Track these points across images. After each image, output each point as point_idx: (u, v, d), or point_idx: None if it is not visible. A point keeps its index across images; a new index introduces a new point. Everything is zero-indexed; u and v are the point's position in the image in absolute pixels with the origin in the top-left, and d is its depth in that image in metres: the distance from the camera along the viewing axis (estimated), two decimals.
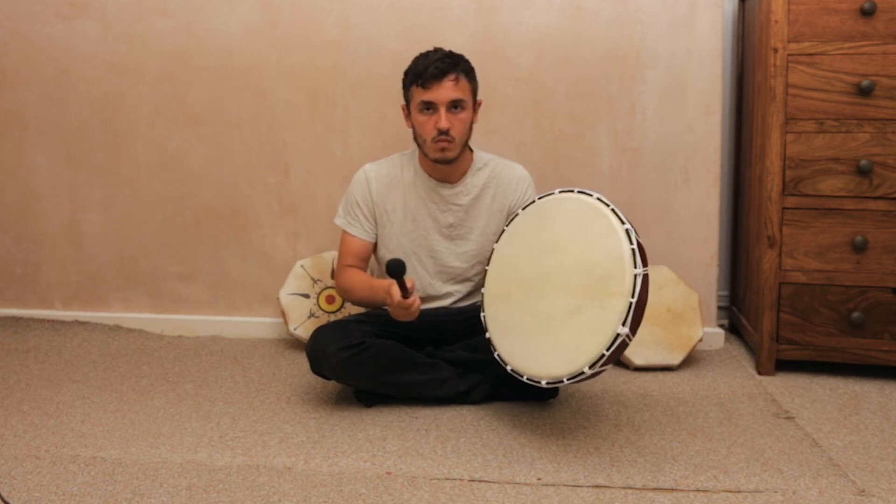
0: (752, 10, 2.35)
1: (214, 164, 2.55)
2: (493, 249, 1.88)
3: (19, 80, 2.59)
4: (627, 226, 1.59)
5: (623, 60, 2.39)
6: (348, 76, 2.46)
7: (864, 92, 2.04)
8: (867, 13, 2.03)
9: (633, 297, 1.52)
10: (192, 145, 2.55)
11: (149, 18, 2.51)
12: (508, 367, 1.73)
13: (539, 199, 1.80)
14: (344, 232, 2.04)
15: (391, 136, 2.44)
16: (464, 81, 1.89)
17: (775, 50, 2.08)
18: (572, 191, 1.74)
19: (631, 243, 1.57)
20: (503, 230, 1.87)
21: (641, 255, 1.57)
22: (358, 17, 2.44)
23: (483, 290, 1.88)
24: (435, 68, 1.85)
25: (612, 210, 1.63)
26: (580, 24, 2.39)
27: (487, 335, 1.82)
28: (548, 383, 1.63)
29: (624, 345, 1.56)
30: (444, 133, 1.86)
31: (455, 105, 1.87)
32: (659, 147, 2.41)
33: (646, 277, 1.57)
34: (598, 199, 1.67)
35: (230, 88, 2.51)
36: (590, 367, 1.56)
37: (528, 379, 1.67)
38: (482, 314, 1.85)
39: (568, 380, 1.59)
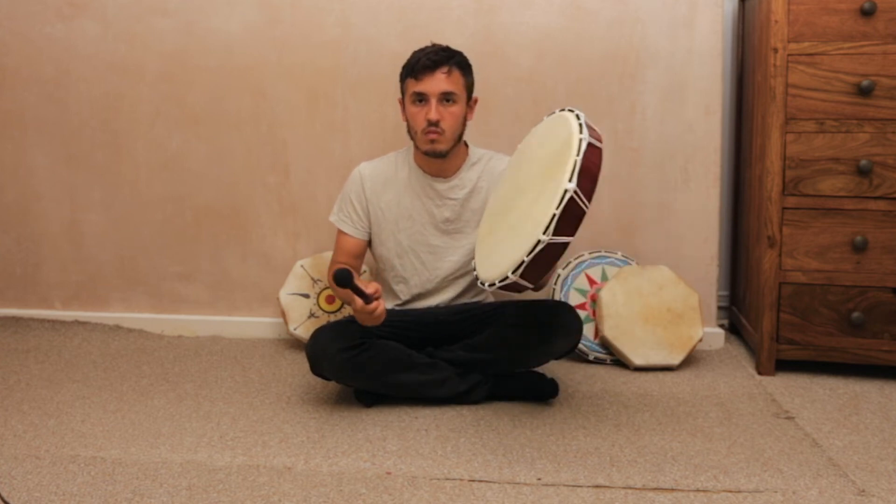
0: (752, 10, 2.35)
1: (214, 164, 2.55)
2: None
3: (19, 80, 2.59)
4: (578, 119, 1.59)
5: (623, 60, 2.39)
6: (348, 76, 2.46)
7: (864, 92, 2.04)
8: (867, 13, 2.03)
9: (577, 155, 1.49)
10: (192, 145, 2.55)
11: (149, 18, 2.51)
12: (483, 283, 1.66)
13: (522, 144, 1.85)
14: (338, 229, 2.05)
15: (391, 136, 2.44)
16: (457, 75, 1.90)
17: (775, 50, 2.08)
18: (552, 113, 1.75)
19: (579, 120, 1.57)
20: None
21: (592, 131, 1.56)
22: (358, 17, 2.44)
23: (477, 234, 1.88)
24: (428, 60, 1.87)
25: (570, 110, 1.65)
26: (580, 24, 2.39)
27: (473, 263, 1.80)
28: (512, 273, 1.55)
29: (575, 207, 1.49)
30: (433, 124, 1.87)
31: (446, 97, 1.88)
32: (659, 147, 2.41)
33: (594, 149, 1.54)
34: (568, 109, 1.67)
35: (230, 88, 2.51)
36: (512, 273, 1.52)
37: (480, 283, 1.64)
38: (473, 261, 1.83)
39: (527, 256, 1.51)
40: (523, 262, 1.52)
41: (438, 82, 1.87)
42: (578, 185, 1.48)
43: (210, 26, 2.49)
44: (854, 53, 2.04)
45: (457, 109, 1.90)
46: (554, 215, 1.48)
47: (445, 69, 1.87)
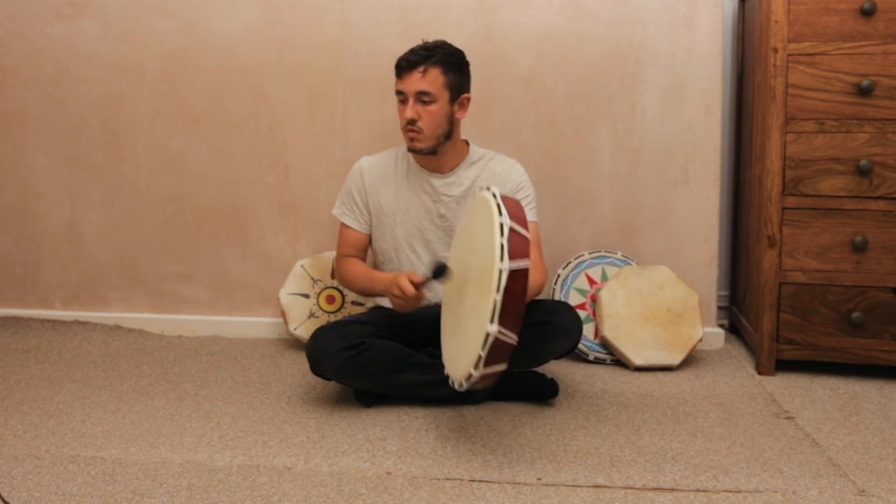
0: (752, 10, 2.35)
1: (214, 164, 2.55)
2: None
3: (19, 80, 2.59)
4: (503, 219, 1.50)
5: (623, 60, 2.39)
6: (348, 76, 2.46)
7: (864, 92, 2.04)
8: (867, 13, 2.03)
9: (497, 293, 1.45)
10: (192, 145, 2.55)
11: (149, 18, 2.51)
12: (445, 372, 1.72)
13: (471, 200, 1.81)
14: (341, 223, 2.08)
15: (391, 135, 2.43)
16: (435, 74, 1.89)
17: (775, 50, 2.08)
18: (483, 189, 1.68)
19: (502, 236, 1.48)
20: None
21: (515, 248, 1.47)
22: (358, 17, 2.44)
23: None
24: (405, 60, 1.90)
25: (497, 203, 1.55)
26: (580, 24, 2.39)
27: (442, 352, 1.81)
28: (458, 386, 1.60)
29: (501, 343, 1.48)
30: (410, 123, 1.90)
31: (423, 97, 1.89)
32: (659, 147, 2.41)
33: (516, 272, 1.46)
34: (493, 193, 1.60)
35: (230, 88, 2.51)
36: (474, 368, 1.51)
37: (452, 383, 1.66)
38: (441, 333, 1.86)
39: (465, 382, 1.56)
40: (462, 384, 1.58)
41: (414, 82, 1.88)
42: (501, 322, 1.46)
43: (210, 26, 2.49)
44: (854, 53, 2.04)
45: (435, 108, 1.90)
46: (480, 356, 1.49)
47: (421, 69, 1.88)
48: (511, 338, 1.50)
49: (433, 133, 1.92)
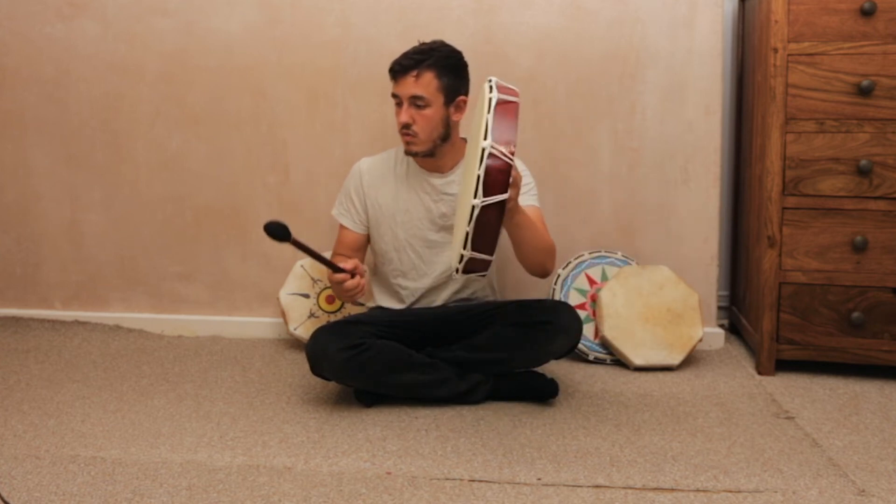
0: (752, 10, 2.35)
1: (214, 164, 2.55)
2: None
3: (19, 80, 2.59)
4: (492, 95, 1.56)
5: (623, 60, 2.39)
6: (348, 76, 2.46)
7: (864, 92, 2.04)
8: (867, 13, 2.03)
9: (478, 168, 1.50)
10: (192, 145, 2.55)
11: (149, 18, 2.51)
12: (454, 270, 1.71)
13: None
14: (339, 223, 2.08)
15: (391, 135, 2.43)
16: (428, 78, 1.88)
17: (775, 50, 2.08)
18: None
19: (488, 112, 1.54)
20: None
21: (498, 129, 1.53)
22: (358, 17, 2.44)
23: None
24: (398, 64, 1.90)
25: (489, 86, 1.60)
26: (580, 24, 2.39)
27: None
28: (455, 273, 1.63)
29: (485, 218, 1.52)
30: (405, 127, 1.90)
31: (416, 101, 1.88)
32: (659, 147, 2.41)
33: (496, 154, 1.52)
34: (489, 81, 1.64)
35: (230, 88, 2.51)
36: (464, 249, 1.55)
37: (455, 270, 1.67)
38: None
39: (459, 265, 1.59)
40: (467, 233, 1.56)
41: (408, 86, 1.88)
42: (494, 139, 1.50)
43: (210, 26, 2.49)
44: (854, 53, 2.04)
45: (430, 112, 1.89)
46: (478, 177, 1.50)
47: (415, 73, 1.87)
48: (497, 200, 1.52)
49: (428, 137, 1.91)
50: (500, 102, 1.55)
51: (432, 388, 1.92)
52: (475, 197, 1.51)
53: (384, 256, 2.07)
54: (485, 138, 1.51)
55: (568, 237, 2.44)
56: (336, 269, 1.79)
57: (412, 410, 1.91)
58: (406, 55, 1.90)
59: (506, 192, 1.54)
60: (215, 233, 2.58)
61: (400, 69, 1.89)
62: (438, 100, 1.90)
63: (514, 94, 1.60)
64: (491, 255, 1.60)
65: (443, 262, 2.03)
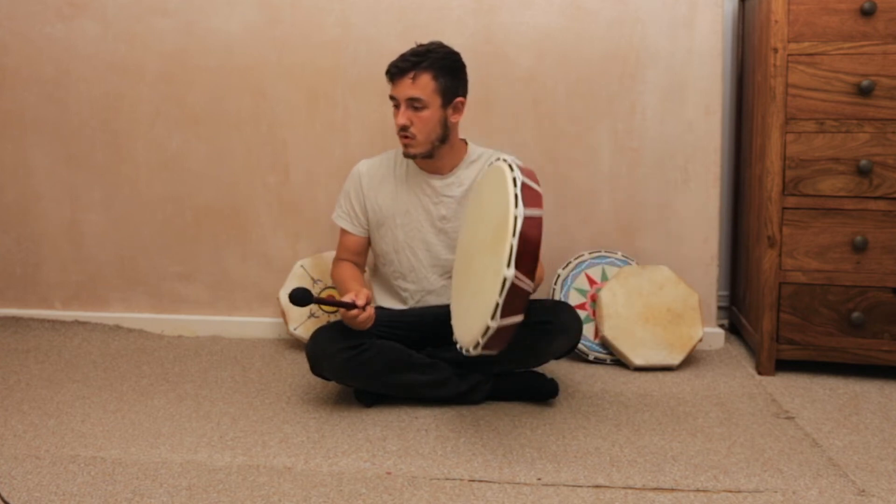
0: (752, 10, 2.35)
1: (214, 164, 2.55)
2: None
3: (19, 80, 2.59)
4: (515, 173, 1.56)
5: (623, 60, 2.39)
6: (348, 76, 2.46)
7: (864, 92, 2.04)
8: (867, 13, 2.03)
9: (513, 237, 1.48)
10: (192, 145, 2.55)
11: (149, 18, 2.51)
12: (457, 345, 1.71)
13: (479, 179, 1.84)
14: (340, 227, 2.09)
15: (391, 135, 2.43)
16: (425, 80, 1.88)
17: (775, 50, 2.08)
18: (492, 162, 1.75)
19: (515, 187, 1.53)
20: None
21: (528, 197, 1.52)
22: (358, 17, 2.44)
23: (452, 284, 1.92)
24: (395, 66, 1.90)
25: (509, 165, 1.61)
26: (580, 24, 2.39)
27: (452, 321, 1.82)
28: (473, 348, 1.60)
29: (519, 290, 1.49)
30: (402, 129, 1.90)
31: (414, 103, 1.88)
32: (659, 147, 2.41)
33: (531, 220, 1.50)
34: (503, 159, 1.67)
35: (230, 88, 2.51)
36: (491, 319, 1.51)
37: (461, 348, 1.66)
38: (450, 304, 1.88)
39: (482, 339, 1.55)
40: (478, 342, 1.57)
41: (405, 88, 1.88)
42: (518, 267, 1.48)
43: (210, 26, 2.49)
44: (854, 53, 2.04)
45: (427, 114, 1.89)
46: (497, 304, 1.50)
47: (411, 75, 1.87)
48: (527, 284, 1.50)
49: (426, 138, 1.91)
50: (526, 221, 1.50)
51: (432, 388, 1.92)
52: (492, 319, 1.51)
53: (384, 258, 2.07)
54: (508, 266, 1.48)
55: (568, 237, 2.45)
56: (349, 306, 1.79)
57: (412, 410, 1.91)
58: (402, 57, 1.90)
59: (522, 313, 1.56)
60: (215, 233, 2.58)
61: (397, 71, 1.89)
62: (436, 101, 1.89)
63: (539, 199, 1.56)
64: (498, 352, 1.60)
65: (441, 265, 2.04)
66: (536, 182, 1.60)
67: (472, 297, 1.67)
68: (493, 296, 1.50)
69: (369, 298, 1.82)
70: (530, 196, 1.53)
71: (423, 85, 1.87)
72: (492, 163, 1.76)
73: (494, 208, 1.61)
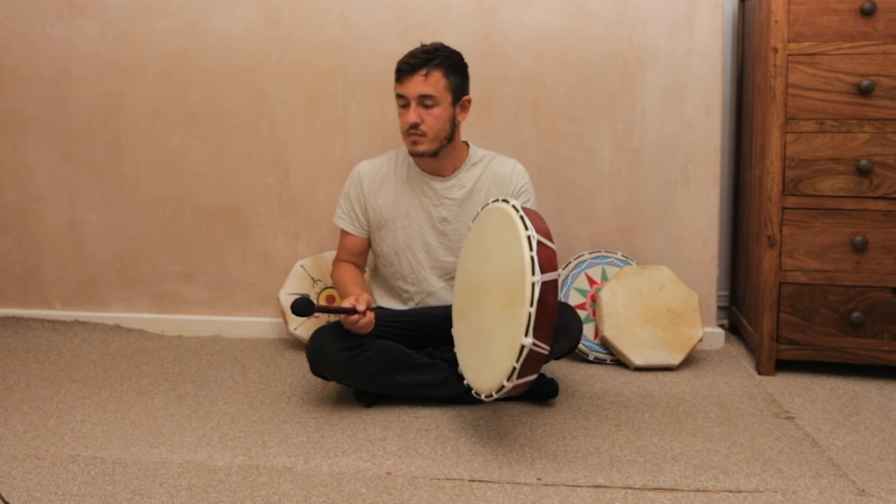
0: (752, 10, 2.35)
1: (214, 164, 2.55)
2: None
3: (19, 80, 2.59)
4: (530, 232, 1.54)
5: (623, 60, 2.39)
6: (348, 76, 2.46)
7: (864, 92, 2.04)
8: (867, 13, 2.03)
9: (531, 306, 1.49)
10: (192, 145, 2.55)
11: (149, 18, 2.51)
12: (465, 382, 1.76)
13: (482, 209, 1.80)
14: (340, 228, 2.08)
15: (391, 135, 2.44)
16: (437, 77, 1.88)
17: (775, 50, 2.08)
18: (497, 200, 1.73)
19: (531, 250, 1.52)
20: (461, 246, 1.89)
21: (544, 260, 1.52)
22: (358, 17, 2.44)
23: (452, 306, 1.91)
24: (406, 63, 1.89)
25: (521, 217, 1.59)
26: (580, 24, 2.39)
27: (455, 350, 1.85)
28: (486, 397, 1.64)
29: (536, 355, 1.53)
30: (413, 127, 1.89)
31: (425, 100, 1.88)
32: (659, 147, 2.41)
33: (548, 285, 1.51)
34: (513, 206, 1.64)
35: (230, 88, 2.51)
36: (507, 380, 1.55)
37: (475, 393, 1.70)
38: (452, 330, 1.89)
39: (496, 393, 1.60)
40: (492, 395, 1.61)
41: (416, 85, 1.87)
42: (535, 335, 1.50)
43: (210, 26, 2.49)
44: (854, 53, 2.04)
45: (438, 112, 1.89)
46: (514, 368, 1.53)
47: (423, 72, 1.87)
48: (544, 348, 1.54)
49: (436, 136, 1.91)
50: (543, 287, 1.50)
51: (432, 388, 1.92)
52: (508, 380, 1.55)
53: (384, 259, 2.07)
54: (526, 334, 1.49)
55: (568, 237, 2.45)
56: (350, 312, 1.79)
57: (412, 410, 1.91)
58: (413, 55, 1.89)
59: (538, 372, 1.59)
60: (215, 233, 2.58)
61: (408, 68, 1.88)
62: (447, 99, 1.90)
63: (554, 261, 1.56)
64: (535, 374, 1.61)
65: (441, 266, 2.04)
66: (548, 233, 1.58)
67: (483, 348, 1.68)
68: (510, 360, 1.53)
69: (369, 303, 1.82)
70: (546, 257, 1.53)
71: (435, 82, 1.88)
72: (497, 200, 1.73)
73: (507, 259, 1.59)
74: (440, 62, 1.88)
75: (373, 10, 2.43)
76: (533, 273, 1.50)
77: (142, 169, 2.58)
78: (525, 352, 1.50)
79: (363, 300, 1.80)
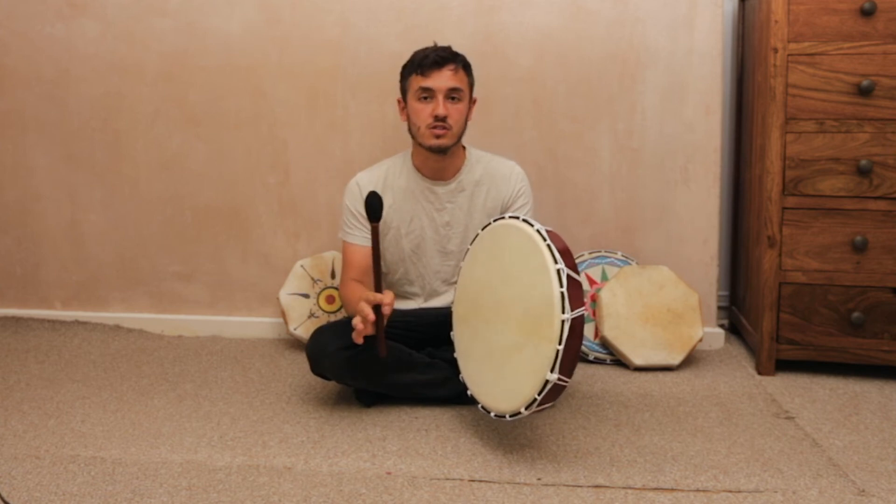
0: (752, 10, 2.35)
1: (214, 164, 2.55)
2: (460, 267, 1.89)
3: (19, 80, 2.59)
4: (559, 265, 1.52)
5: (623, 60, 2.39)
6: (348, 76, 2.46)
7: (864, 92, 2.04)
8: (867, 13, 2.03)
9: (559, 344, 1.49)
10: (192, 145, 2.55)
11: (149, 18, 2.51)
12: (469, 392, 1.77)
13: (494, 221, 1.76)
14: (345, 243, 2.04)
15: (391, 136, 2.44)
16: (462, 74, 1.93)
17: (775, 50, 2.08)
18: (517, 218, 1.68)
19: (561, 286, 1.50)
20: (467, 249, 1.86)
21: (573, 297, 1.51)
22: (358, 17, 2.44)
23: (452, 307, 1.90)
24: (437, 56, 1.90)
25: (548, 246, 1.55)
26: (580, 24, 2.39)
27: (455, 354, 1.85)
28: (496, 415, 1.65)
29: (557, 388, 1.54)
30: (441, 119, 1.88)
31: (453, 94, 1.90)
32: (659, 147, 2.41)
33: (576, 321, 1.51)
34: (538, 231, 1.60)
35: (230, 88, 2.51)
36: (526, 409, 1.56)
37: (481, 408, 1.70)
38: (451, 332, 1.89)
39: (510, 416, 1.61)
40: (506, 416, 1.62)
41: (447, 79, 1.88)
42: (561, 371, 1.51)
43: (210, 26, 2.49)
44: (854, 53, 2.04)
45: (462, 107, 1.92)
46: (535, 399, 1.54)
47: (452, 66, 1.90)
48: (566, 382, 1.54)
49: (458, 131, 1.93)
50: (571, 328, 1.51)
51: (432, 388, 1.92)
52: (526, 409, 1.56)
53: (390, 267, 2.07)
54: (552, 370, 1.51)
55: (568, 237, 2.41)
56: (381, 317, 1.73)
57: (412, 410, 1.91)
58: (441, 49, 1.91)
59: (556, 399, 1.60)
60: (215, 233, 2.58)
61: (439, 60, 1.88)
62: (468, 95, 1.95)
63: (581, 296, 1.55)
64: (552, 403, 1.62)
65: (446, 270, 2.05)
66: (574, 265, 1.56)
67: (496, 368, 1.67)
68: (531, 390, 1.54)
69: (393, 301, 1.74)
70: (575, 293, 1.52)
71: (462, 77, 1.92)
72: (515, 217, 1.68)
73: (530, 287, 1.57)
74: (463, 61, 1.94)
75: (373, 10, 2.43)
76: (563, 311, 1.50)
77: (142, 169, 2.58)
78: (549, 386, 1.52)
79: (388, 295, 1.70)
